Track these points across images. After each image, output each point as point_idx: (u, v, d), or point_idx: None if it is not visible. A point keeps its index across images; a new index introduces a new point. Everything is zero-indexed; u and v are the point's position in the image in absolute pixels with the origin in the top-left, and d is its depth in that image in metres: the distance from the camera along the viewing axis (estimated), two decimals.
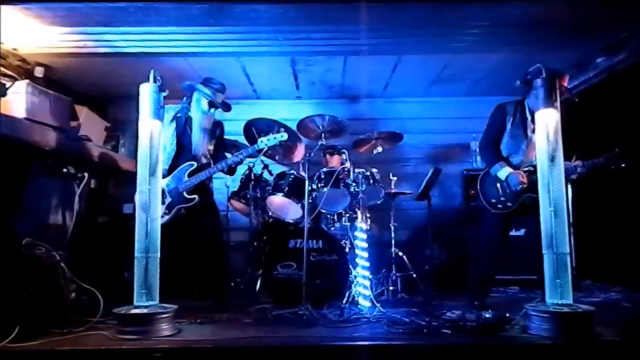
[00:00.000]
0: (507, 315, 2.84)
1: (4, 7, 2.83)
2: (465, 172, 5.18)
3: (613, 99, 4.06)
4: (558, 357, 2.40)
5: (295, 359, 2.41)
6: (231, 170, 3.68)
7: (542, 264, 3.34)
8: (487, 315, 2.86)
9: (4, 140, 2.93)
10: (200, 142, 3.57)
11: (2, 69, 3.07)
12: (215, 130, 3.70)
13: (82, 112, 4.04)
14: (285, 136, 3.54)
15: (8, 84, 2.96)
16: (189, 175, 3.47)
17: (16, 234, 2.85)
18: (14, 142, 3.01)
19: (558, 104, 2.82)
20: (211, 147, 3.67)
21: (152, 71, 2.95)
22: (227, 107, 3.71)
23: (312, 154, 3.66)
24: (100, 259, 3.75)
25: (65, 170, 3.31)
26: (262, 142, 3.54)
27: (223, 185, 4.56)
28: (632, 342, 2.46)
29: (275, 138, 3.54)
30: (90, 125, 4.14)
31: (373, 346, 2.46)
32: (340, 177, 3.80)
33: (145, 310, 2.70)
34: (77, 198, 3.29)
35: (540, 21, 3.60)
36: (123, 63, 4.30)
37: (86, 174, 3.33)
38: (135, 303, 2.76)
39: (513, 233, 3.93)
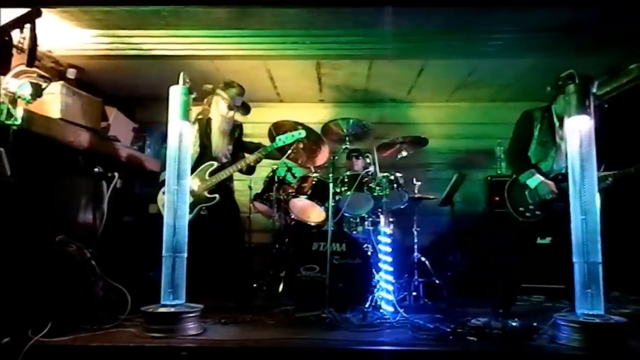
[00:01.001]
0: (535, 324, 2.79)
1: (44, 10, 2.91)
2: (489, 178, 5.12)
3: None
4: None
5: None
6: (250, 170, 3.72)
7: (570, 273, 3.28)
8: (514, 324, 2.79)
9: (40, 139, 3.01)
10: (219, 144, 3.63)
11: (38, 70, 3.15)
12: (234, 131, 3.77)
13: (112, 113, 4.12)
14: (303, 133, 3.57)
15: (44, 85, 3.03)
16: (210, 175, 3.52)
17: (50, 231, 2.92)
18: (49, 141, 3.09)
19: (591, 110, 2.77)
20: (230, 147, 3.73)
21: (181, 74, 3.00)
22: (246, 110, 3.76)
23: (336, 157, 3.67)
24: (126, 258, 3.81)
25: (96, 169, 3.38)
26: (280, 139, 3.58)
27: (246, 187, 4.61)
28: None
29: (292, 136, 3.58)
30: (119, 126, 4.22)
31: (398, 351, 2.45)
32: (364, 180, 3.79)
33: (172, 309, 2.74)
34: (106, 197, 3.36)
35: (571, 26, 3.55)
36: (151, 65, 4.39)
37: (116, 174, 3.40)
38: (162, 302, 2.80)
39: (539, 241, 3.87)
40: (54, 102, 3.27)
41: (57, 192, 3.20)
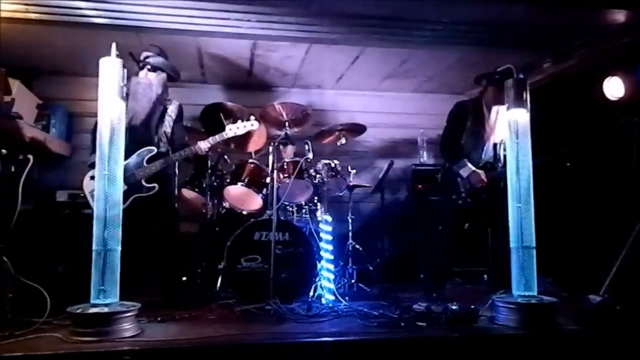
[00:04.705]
0: (472, 307, 2.92)
1: None
2: (413, 166, 5.30)
3: (559, 101, 4.32)
4: (529, 346, 2.50)
5: (277, 356, 2.31)
6: (198, 159, 3.44)
7: (496, 257, 3.48)
8: (454, 307, 2.91)
9: None
10: (138, 110, 3.27)
11: None
12: (171, 111, 3.44)
13: (14, 85, 3.58)
14: (256, 125, 3.36)
15: None
16: (148, 162, 3.19)
17: None
18: None
19: (528, 104, 2.94)
20: (168, 130, 3.41)
21: (113, 44, 2.65)
22: (171, 72, 3.42)
23: (277, 143, 3.52)
24: (34, 252, 3.36)
25: (3, 151, 2.89)
26: (230, 130, 3.33)
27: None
28: (591, 331, 2.64)
29: (245, 127, 3.34)
30: (22, 102, 3.70)
31: (356, 341, 2.42)
32: (304, 168, 3.70)
33: (105, 309, 2.44)
34: (20, 184, 2.89)
35: (499, 23, 3.75)
36: (61, 34, 3.85)
37: (30, 157, 2.93)
38: (92, 301, 2.49)
39: None
40: None
41: None
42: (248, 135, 4.09)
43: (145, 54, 3.36)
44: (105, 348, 2.23)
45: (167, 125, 3.37)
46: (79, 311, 2.42)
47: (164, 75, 3.38)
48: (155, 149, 3.19)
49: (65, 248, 3.61)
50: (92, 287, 2.50)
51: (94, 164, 3.09)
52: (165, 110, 3.39)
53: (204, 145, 3.28)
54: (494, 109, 3.61)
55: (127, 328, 2.46)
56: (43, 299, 2.62)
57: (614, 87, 3.77)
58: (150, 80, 3.32)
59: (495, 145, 3.69)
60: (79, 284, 2.60)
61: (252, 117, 3.38)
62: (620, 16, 3.59)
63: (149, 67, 3.29)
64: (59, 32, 3.81)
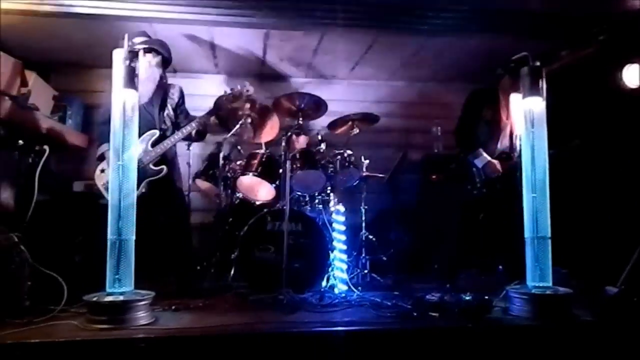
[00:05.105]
0: (486, 297, 2.90)
1: None
2: (427, 156, 5.25)
3: (576, 90, 4.23)
4: (544, 337, 2.47)
5: (290, 345, 2.32)
6: (201, 135, 3.47)
7: (510, 248, 3.44)
8: (468, 298, 2.88)
9: None
10: (152, 102, 3.29)
11: None
12: (172, 94, 3.44)
13: (31, 77, 3.63)
14: (251, 90, 3.43)
15: None
16: (152, 145, 3.22)
17: None
18: None
19: (544, 92, 2.88)
20: (171, 114, 3.42)
21: (126, 35, 2.68)
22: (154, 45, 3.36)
23: (290, 133, 3.52)
24: (51, 242, 3.42)
25: (20, 142, 2.94)
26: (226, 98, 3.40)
27: (184, 163, 4.30)
28: (607, 323, 2.60)
29: (239, 91, 3.44)
30: (39, 93, 3.73)
31: (369, 331, 2.42)
32: (317, 158, 3.70)
33: (120, 298, 2.49)
34: (37, 174, 2.94)
35: (517, 10, 3.68)
36: (75, 26, 3.88)
37: (46, 147, 2.98)
38: (107, 290, 2.53)
39: None
40: None
41: None
42: (261, 125, 4.11)
43: (135, 39, 3.36)
44: (120, 335, 2.27)
45: (170, 109, 3.41)
46: (94, 299, 2.46)
47: (159, 56, 3.37)
48: (157, 132, 3.22)
49: (82, 237, 3.67)
50: (107, 276, 2.54)
51: (102, 157, 3.16)
52: (166, 93, 3.42)
53: (201, 116, 3.32)
54: (512, 98, 3.55)
55: (142, 316, 2.50)
56: (60, 288, 2.66)
57: (633, 75, 3.68)
58: (149, 62, 3.33)
59: (512, 135, 3.63)
60: (95, 272, 2.65)
61: (247, 83, 3.47)
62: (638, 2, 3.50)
63: (145, 48, 3.29)
64: (73, 23, 3.84)
